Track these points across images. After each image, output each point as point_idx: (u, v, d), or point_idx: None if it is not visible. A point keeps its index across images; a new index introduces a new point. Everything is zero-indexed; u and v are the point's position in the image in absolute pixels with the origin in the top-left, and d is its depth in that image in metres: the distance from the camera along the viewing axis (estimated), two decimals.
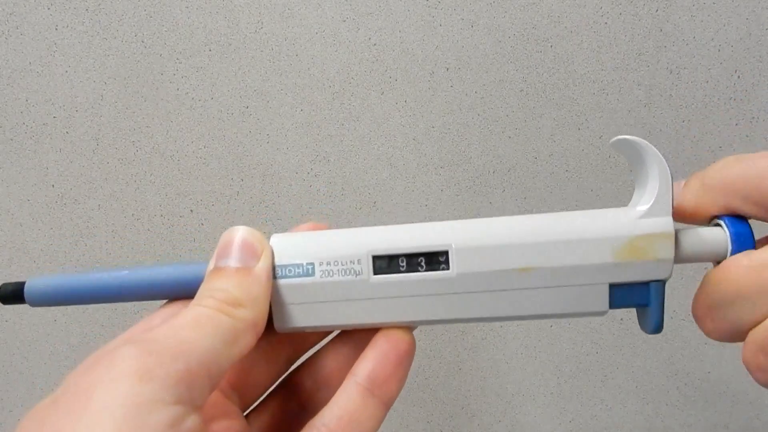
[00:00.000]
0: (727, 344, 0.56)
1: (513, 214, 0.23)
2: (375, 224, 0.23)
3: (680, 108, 0.49)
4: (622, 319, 0.53)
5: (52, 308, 0.54)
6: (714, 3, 0.47)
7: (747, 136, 0.49)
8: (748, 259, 0.20)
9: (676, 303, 0.53)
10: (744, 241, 0.21)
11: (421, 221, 0.23)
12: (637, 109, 0.49)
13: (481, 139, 0.50)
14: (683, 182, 0.23)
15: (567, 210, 0.23)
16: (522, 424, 0.56)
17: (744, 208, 0.21)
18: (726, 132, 0.49)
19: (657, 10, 0.47)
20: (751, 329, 0.21)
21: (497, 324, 0.54)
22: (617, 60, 0.48)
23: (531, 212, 0.50)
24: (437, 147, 0.50)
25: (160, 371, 0.17)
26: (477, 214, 0.50)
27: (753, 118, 0.49)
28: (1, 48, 0.49)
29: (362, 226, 0.23)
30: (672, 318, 0.53)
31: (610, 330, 0.54)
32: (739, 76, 0.48)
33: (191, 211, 0.52)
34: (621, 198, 0.50)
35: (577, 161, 0.50)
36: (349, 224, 0.50)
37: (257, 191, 0.51)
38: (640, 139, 0.22)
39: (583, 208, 0.23)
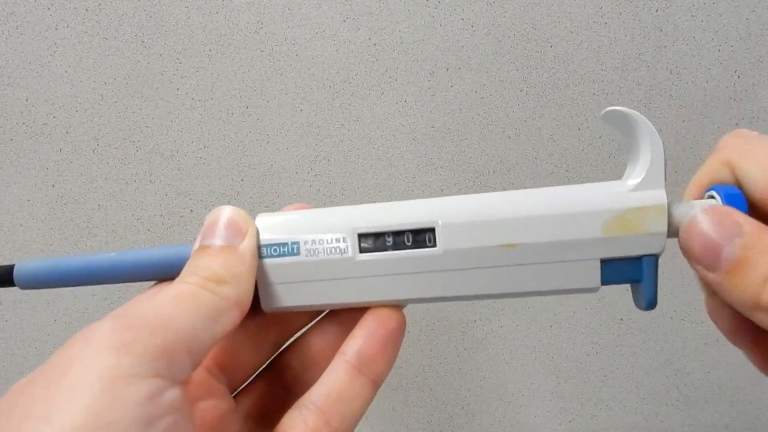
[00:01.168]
0: (728, 344, 0.56)
1: (507, 191, 0.22)
2: None
3: (680, 108, 0.49)
4: (621, 319, 0.53)
5: (52, 308, 0.54)
6: (714, 3, 0.47)
7: None
8: None
9: (676, 303, 0.53)
10: (737, 203, 0.21)
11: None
12: (637, 109, 0.49)
13: (481, 139, 0.50)
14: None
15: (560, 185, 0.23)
16: (522, 424, 0.56)
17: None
18: (726, 132, 0.49)
19: (657, 10, 0.47)
20: None
21: (497, 324, 0.54)
22: (617, 60, 0.48)
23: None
24: (437, 147, 0.50)
25: (137, 345, 0.17)
26: None
27: (753, 118, 0.49)
28: (1, 48, 0.49)
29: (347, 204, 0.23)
30: (672, 318, 0.53)
31: (610, 330, 0.54)
32: (739, 76, 0.48)
33: (191, 211, 0.52)
34: None
35: (577, 161, 0.50)
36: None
37: (257, 191, 0.51)
38: (632, 110, 0.22)
39: (578, 183, 0.22)
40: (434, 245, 0.21)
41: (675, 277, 0.52)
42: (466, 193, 0.50)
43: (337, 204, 0.51)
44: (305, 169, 0.51)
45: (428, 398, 0.55)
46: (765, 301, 0.18)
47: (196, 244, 0.22)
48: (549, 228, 0.21)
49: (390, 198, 0.51)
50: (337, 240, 0.22)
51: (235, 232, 0.21)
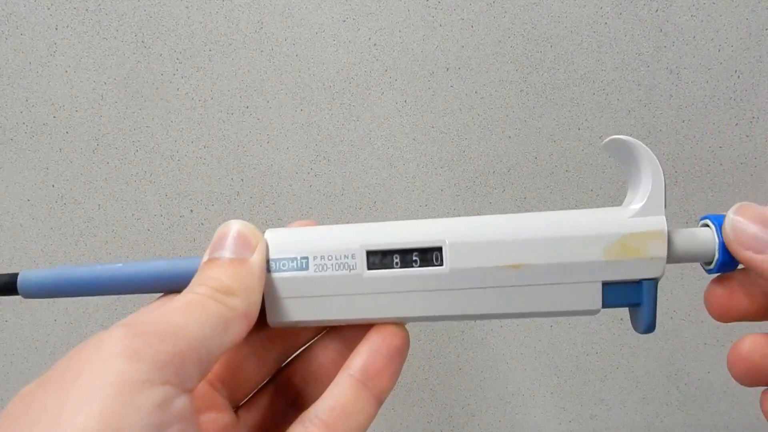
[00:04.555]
0: (728, 344, 0.56)
1: (513, 214, 0.23)
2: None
3: (680, 108, 0.49)
4: (622, 319, 0.53)
5: (52, 308, 0.54)
6: (714, 3, 0.47)
7: (747, 136, 0.49)
8: None
9: (676, 303, 0.53)
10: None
11: (392, 222, 0.23)
12: (637, 109, 0.49)
13: (481, 139, 0.50)
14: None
15: (565, 209, 0.23)
16: (522, 424, 0.56)
17: None
18: (726, 132, 0.49)
19: (657, 10, 0.47)
20: None
21: (497, 324, 0.54)
22: (617, 60, 0.48)
23: (530, 212, 0.50)
24: (437, 147, 0.50)
25: (148, 352, 0.17)
26: (477, 214, 0.50)
27: (753, 118, 0.49)
28: (1, 48, 0.49)
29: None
30: (672, 318, 0.53)
31: (610, 330, 0.54)
32: (739, 76, 0.48)
33: (191, 211, 0.52)
34: (621, 198, 0.50)
35: (577, 161, 0.50)
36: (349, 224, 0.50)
37: (257, 191, 0.51)
38: (632, 138, 0.22)
39: (582, 208, 0.23)
40: (441, 264, 0.22)
41: (675, 278, 0.52)
42: (466, 193, 0.51)
43: (338, 204, 0.51)
44: (305, 169, 0.51)
45: (428, 398, 0.55)
46: None
47: (206, 257, 0.22)
48: (553, 250, 0.22)
49: (390, 198, 0.51)
50: (346, 256, 0.22)
51: (245, 245, 0.22)
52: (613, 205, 0.23)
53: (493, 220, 0.22)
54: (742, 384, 0.23)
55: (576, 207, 0.50)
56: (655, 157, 0.22)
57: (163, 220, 0.52)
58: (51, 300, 0.54)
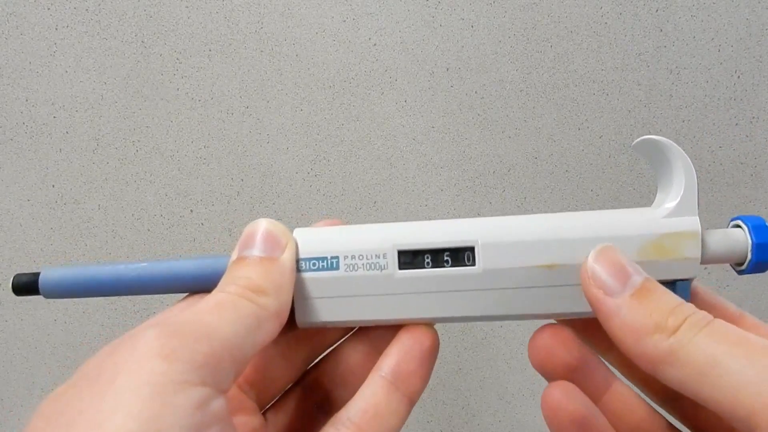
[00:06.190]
0: None
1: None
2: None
3: (680, 108, 0.49)
4: None
5: (52, 308, 0.54)
6: (714, 3, 0.47)
7: (747, 136, 0.49)
8: None
9: None
10: (765, 250, 0.21)
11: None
12: (637, 109, 0.49)
13: (481, 139, 0.50)
14: None
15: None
16: (522, 424, 0.56)
17: None
18: (726, 132, 0.49)
19: (657, 10, 0.47)
20: None
21: (497, 324, 0.54)
22: (617, 60, 0.48)
23: (530, 212, 0.50)
24: (437, 147, 0.50)
25: (184, 352, 0.16)
26: (477, 214, 0.50)
27: (753, 118, 0.49)
28: (1, 48, 0.49)
29: (387, 221, 0.23)
30: None
31: None
32: (739, 76, 0.48)
33: (191, 211, 0.52)
34: (621, 198, 0.50)
35: (577, 161, 0.50)
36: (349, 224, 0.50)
37: (257, 191, 0.51)
38: (664, 138, 0.22)
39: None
40: (473, 264, 0.22)
41: None
42: (466, 193, 0.50)
43: (338, 204, 0.51)
44: (305, 169, 0.51)
45: (428, 398, 0.55)
46: (672, 324, 0.18)
47: (234, 255, 0.21)
48: (587, 250, 0.21)
49: (390, 198, 0.51)
50: (377, 256, 0.22)
51: (274, 244, 0.21)
52: (614, 206, 0.23)
53: (526, 220, 0.22)
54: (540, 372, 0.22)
55: (576, 207, 0.50)
56: (687, 158, 0.22)
57: (163, 220, 0.52)
58: (51, 300, 0.54)
